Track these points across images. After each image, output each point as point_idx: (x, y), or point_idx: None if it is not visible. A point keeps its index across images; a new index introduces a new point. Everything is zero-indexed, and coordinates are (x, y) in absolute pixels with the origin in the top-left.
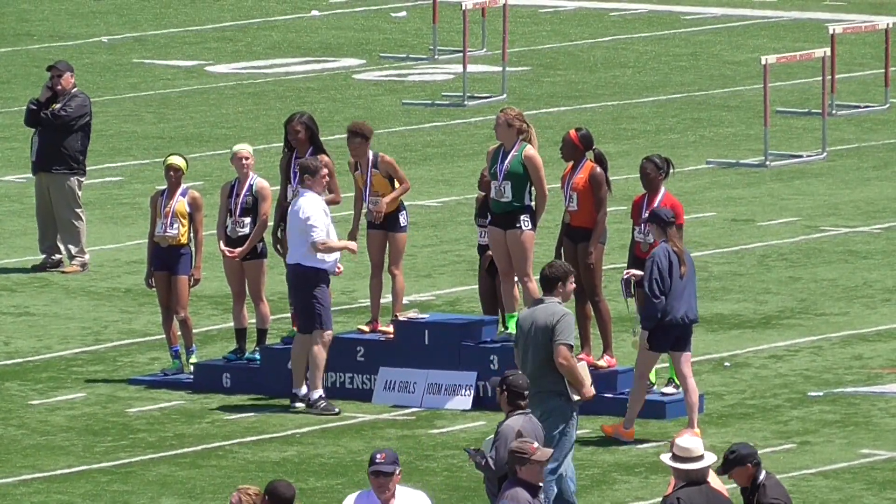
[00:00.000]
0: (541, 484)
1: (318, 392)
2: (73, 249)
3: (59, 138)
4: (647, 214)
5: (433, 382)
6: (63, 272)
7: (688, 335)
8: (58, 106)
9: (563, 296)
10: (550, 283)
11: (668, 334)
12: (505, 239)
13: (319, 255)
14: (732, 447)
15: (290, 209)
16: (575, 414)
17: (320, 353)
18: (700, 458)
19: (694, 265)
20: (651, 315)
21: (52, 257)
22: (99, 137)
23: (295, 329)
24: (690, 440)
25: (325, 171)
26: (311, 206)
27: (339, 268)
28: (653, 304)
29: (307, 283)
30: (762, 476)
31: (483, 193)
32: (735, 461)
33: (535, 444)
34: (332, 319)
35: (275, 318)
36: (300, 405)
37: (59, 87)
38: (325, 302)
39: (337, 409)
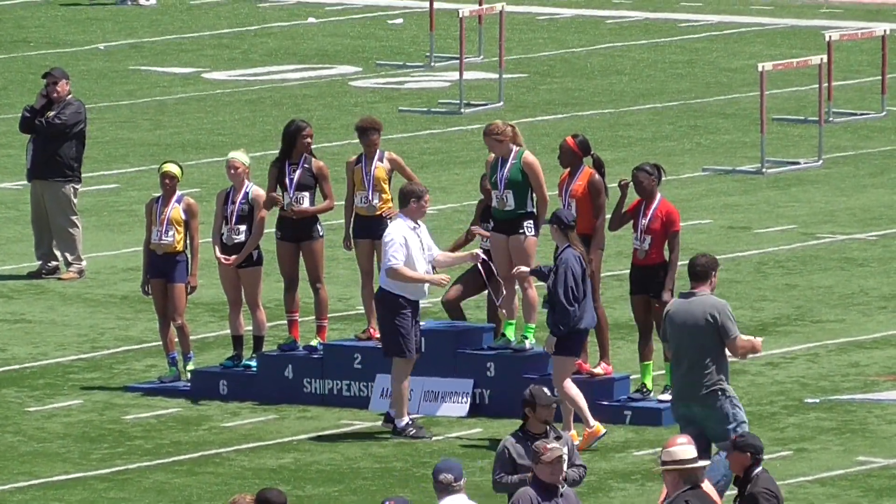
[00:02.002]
0: (557, 484)
1: (406, 419)
2: (70, 256)
3: (53, 146)
4: (644, 222)
5: (429, 390)
6: (60, 279)
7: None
8: (52, 113)
9: (712, 287)
10: (703, 274)
11: (582, 340)
12: (507, 245)
13: (398, 282)
14: (742, 433)
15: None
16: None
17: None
18: (694, 460)
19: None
20: (565, 322)
21: (48, 264)
22: (95, 144)
23: (320, 340)
24: (681, 446)
25: (428, 197)
26: (396, 231)
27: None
28: (567, 311)
29: (391, 308)
30: (758, 470)
31: (484, 198)
32: (737, 445)
33: (550, 445)
34: (413, 346)
35: (271, 325)
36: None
37: (55, 95)
38: (405, 329)
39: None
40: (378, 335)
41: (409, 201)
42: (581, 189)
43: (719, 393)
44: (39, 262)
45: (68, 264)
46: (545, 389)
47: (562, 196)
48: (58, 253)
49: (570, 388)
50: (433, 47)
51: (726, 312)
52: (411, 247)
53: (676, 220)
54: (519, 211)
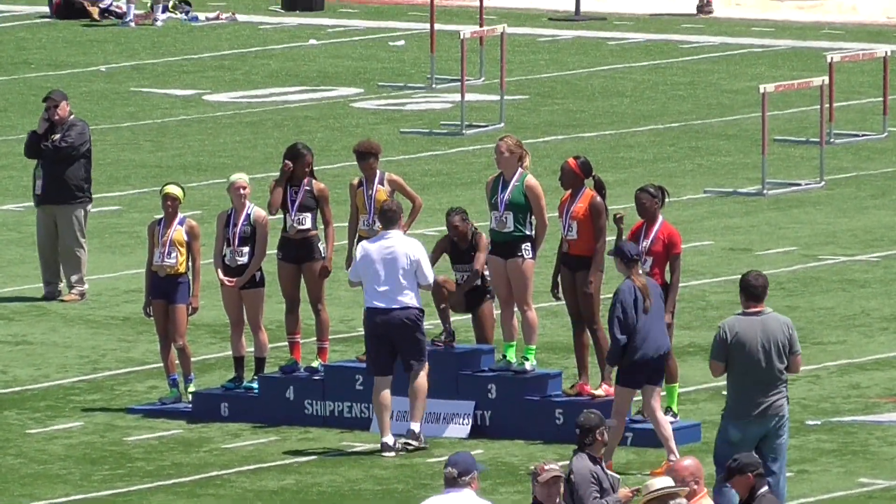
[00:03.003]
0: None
1: (419, 425)
2: (73, 278)
3: (62, 169)
4: (645, 244)
5: (431, 411)
6: (62, 300)
7: (661, 369)
8: (57, 136)
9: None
10: (763, 294)
11: (641, 371)
12: (505, 268)
13: (416, 295)
14: (735, 456)
15: (377, 250)
16: None
17: (426, 385)
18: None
19: (660, 296)
20: (615, 352)
21: (59, 288)
22: (97, 166)
23: (321, 361)
24: (662, 481)
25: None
26: (415, 245)
27: None
28: (615, 341)
29: (418, 323)
30: (763, 489)
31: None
32: (736, 469)
33: (548, 466)
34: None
35: (273, 347)
36: (414, 442)
37: (57, 118)
38: (425, 334)
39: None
40: None
41: (400, 215)
42: (582, 211)
43: (787, 402)
44: (47, 288)
45: (70, 286)
46: (595, 413)
47: (562, 218)
48: (62, 274)
49: (659, 417)
50: (434, 69)
51: (793, 327)
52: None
53: (678, 242)
54: (517, 233)
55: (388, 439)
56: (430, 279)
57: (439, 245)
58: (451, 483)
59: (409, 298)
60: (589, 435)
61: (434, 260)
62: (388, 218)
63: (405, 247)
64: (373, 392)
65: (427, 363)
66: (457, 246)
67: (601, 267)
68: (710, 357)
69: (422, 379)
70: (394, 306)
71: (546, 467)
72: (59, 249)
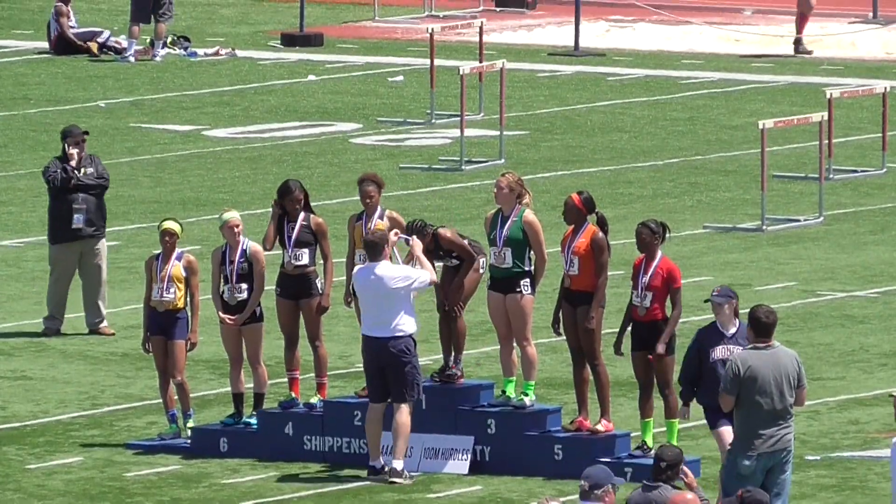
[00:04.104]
0: None
1: (402, 462)
2: (105, 311)
3: (99, 202)
4: (644, 279)
5: (430, 447)
6: (102, 333)
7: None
8: (90, 170)
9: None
10: (772, 329)
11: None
12: (504, 303)
13: (410, 320)
14: (749, 489)
15: (364, 279)
16: None
17: (409, 423)
18: None
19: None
20: (682, 395)
21: (97, 320)
22: None
23: (320, 397)
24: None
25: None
26: (399, 270)
27: None
28: (681, 384)
29: (408, 353)
30: None
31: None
32: (744, 501)
33: (550, 501)
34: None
35: (272, 383)
36: (399, 480)
37: (84, 153)
38: (420, 370)
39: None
40: None
41: (385, 246)
42: (584, 246)
43: (793, 441)
44: (51, 323)
45: (101, 319)
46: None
47: (564, 253)
48: (101, 305)
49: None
50: (434, 104)
51: (801, 361)
52: None
53: (677, 276)
54: (516, 269)
55: (377, 463)
56: (428, 278)
57: None
58: (584, 496)
59: (401, 326)
60: (672, 469)
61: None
62: (373, 249)
63: (391, 274)
64: (366, 416)
65: (412, 401)
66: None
67: (602, 303)
68: (721, 391)
69: (404, 416)
70: (385, 335)
71: (549, 503)
72: (91, 283)
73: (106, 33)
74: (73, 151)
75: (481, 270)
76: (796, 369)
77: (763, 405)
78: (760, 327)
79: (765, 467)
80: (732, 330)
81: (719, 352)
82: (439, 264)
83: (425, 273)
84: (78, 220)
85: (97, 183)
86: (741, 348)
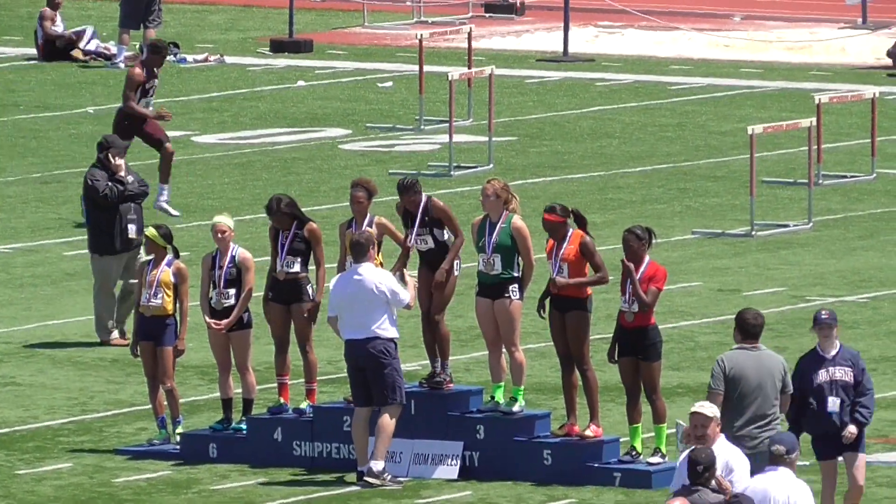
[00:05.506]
0: None
1: (383, 463)
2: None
3: (141, 209)
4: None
5: (419, 452)
6: (115, 345)
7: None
8: (131, 178)
9: None
10: (759, 331)
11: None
12: (492, 309)
13: (390, 325)
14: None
15: (347, 282)
16: None
17: (392, 425)
18: None
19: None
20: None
21: (114, 332)
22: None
23: (309, 402)
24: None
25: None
26: (384, 275)
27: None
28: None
29: (388, 355)
30: None
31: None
32: None
33: None
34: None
35: (261, 388)
36: (374, 480)
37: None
38: (401, 373)
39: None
40: None
41: (371, 248)
42: (573, 252)
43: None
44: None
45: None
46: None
47: (552, 261)
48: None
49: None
50: (423, 110)
51: (787, 367)
52: None
53: (662, 278)
54: (504, 275)
55: (365, 469)
56: (407, 300)
57: (398, 208)
58: (777, 460)
59: (382, 329)
60: (708, 471)
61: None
62: (358, 250)
63: (375, 277)
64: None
65: (394, 404)
66: (410, 214)
67: (589, 307)
68: (710, 388)
69: (387, 418)
70: (366, 337)
71: None
72: (124, 291)
73: (89, 31)
74: (121, 162)
75: (456, 273)
76: (781, 373)
77: (745, 405)
78: (748, 329)
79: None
80: (833, 352)
81: (822, 375)
82: (424, 237)
83: (407, 293)
84: (132, 231)
85: (142, 191)
86: (845, 369)
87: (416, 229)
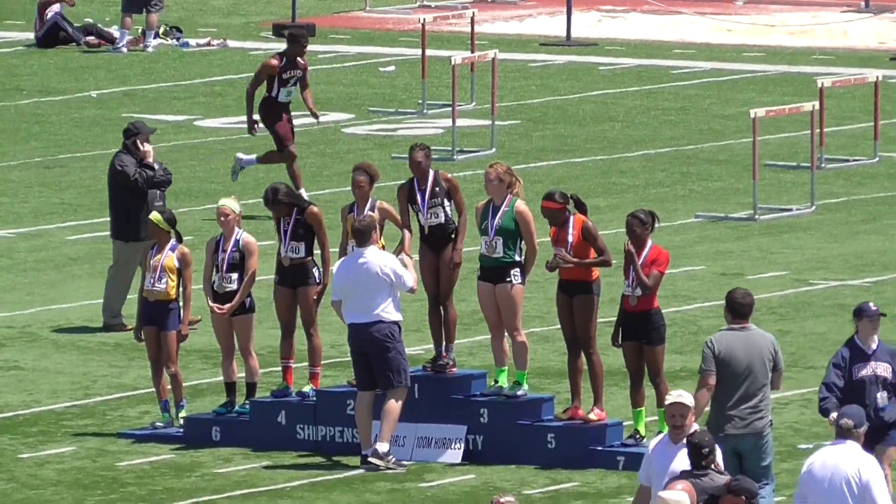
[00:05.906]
0: None
1: (388, 445)
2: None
3: (165, 198)
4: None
5: (423, 436)
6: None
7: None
8: (157, 165)
9: None
10: (749, 312)
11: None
12: (494, 293)
13: (394, 309)
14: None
15: (351, 266)
16: None
17: (398, 408)
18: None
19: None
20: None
21: (123, 321)
22: (88, 192)
23: (313, 386)
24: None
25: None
26: (389, 258)
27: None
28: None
29: (392, 338)
30: None
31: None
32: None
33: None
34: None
35: (264, 372)
36: (378, 462)
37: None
38: (405, 356)
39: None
40: None
41: (374, 233)
42: (577, 238)
43: (769, 425)
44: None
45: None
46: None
47: (556, 247)
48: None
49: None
50: (426, 94)
51: (778, 344)
52: None
53: (665, 261)
54: (506, 259)
55: (369, 452)
56: (411, 283)
57: (401, 191)
58: (846, 434)
59: (386, 312)
60: (712, 453)
61: (402, 209)
62: (361, 236)
63: (379, 260)
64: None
65: (400, 387)
66: (418, 183)
67: (597, 290)
68: (702, 369)
69: (394, 402)
70: (370, 320)
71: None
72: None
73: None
74: (149, 148)
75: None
76: (772, 352)
77: (734, 386)
78: (737, 309)
79: (734, 449)
80: (874, 346)
81: (865, 369)
82: (435, 210)
83: (410, 277)
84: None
85: (167, 178)
86: (885, 365)
87: (427, 201)
